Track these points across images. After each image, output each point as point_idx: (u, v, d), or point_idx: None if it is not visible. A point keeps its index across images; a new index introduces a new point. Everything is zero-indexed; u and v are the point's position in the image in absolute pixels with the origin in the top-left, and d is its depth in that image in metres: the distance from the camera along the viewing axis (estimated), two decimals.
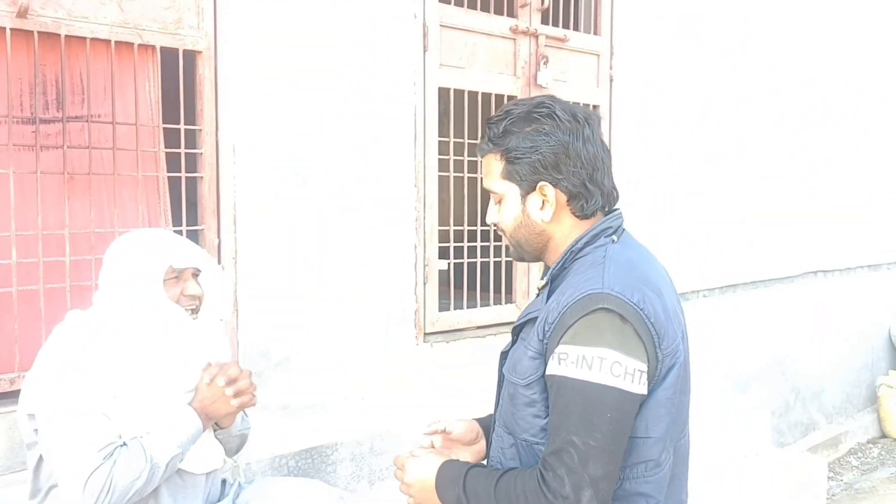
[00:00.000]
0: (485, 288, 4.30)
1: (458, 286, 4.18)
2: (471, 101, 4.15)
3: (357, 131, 3.62)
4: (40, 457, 2.09)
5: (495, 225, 1.84)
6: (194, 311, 2.23)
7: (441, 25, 3.95)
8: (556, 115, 1.72)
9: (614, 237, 1.76)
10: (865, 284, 7.24)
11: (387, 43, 3.71)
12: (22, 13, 2.71)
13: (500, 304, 4.37)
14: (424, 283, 3.92)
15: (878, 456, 6.76)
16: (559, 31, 4.48)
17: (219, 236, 3.24)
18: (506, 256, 4.38)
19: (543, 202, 1.74)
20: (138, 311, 2.10)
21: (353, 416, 3.50)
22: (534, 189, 1.74)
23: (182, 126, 3.14)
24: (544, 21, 4.44)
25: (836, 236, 6.76)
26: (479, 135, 1.82)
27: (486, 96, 4.23)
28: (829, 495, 5.49)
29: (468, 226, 4.21)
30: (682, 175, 5.29)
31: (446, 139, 4.02)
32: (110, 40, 2.93)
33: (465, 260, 4.21)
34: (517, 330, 1.82)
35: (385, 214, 3.74)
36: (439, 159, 3.99)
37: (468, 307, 4.19)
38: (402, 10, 3.77)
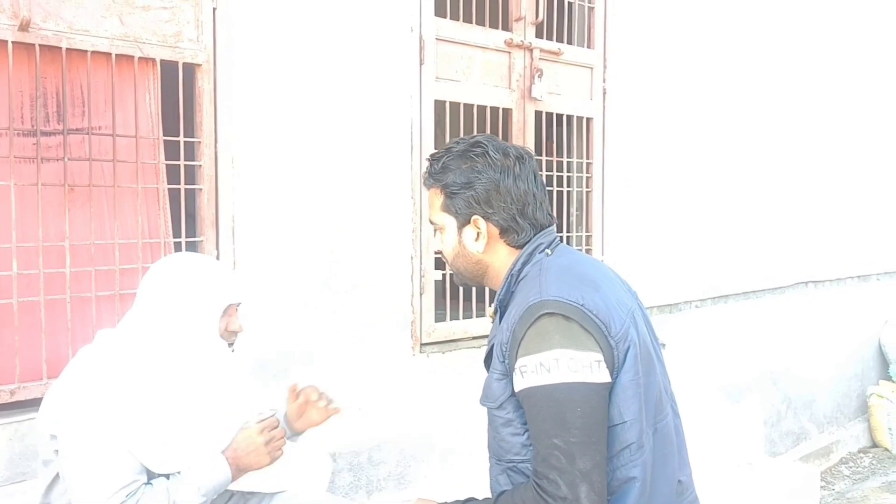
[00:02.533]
0: (480, 299, 4.33)
1: (454, 297, 4.20)
2: (466, 114, 4.19)
3: (354, 143, 3.65)
4: (56, 475, 2.07)
5: (438, 253, 1.97)
6: (231, 346, 2.22)
7: (437, 39, 3.99)
8: (489, 154, 1.86)
9: (548, 251, 1.87)
10: (855, 295, 7.30)
11: (384, 56, 3.75)
12: (23, 26, 2.73)
13: None
14: (421, 294, 3.94)
15: (870, 465, 6.80)
16: (553, 45, 4.52)
17: (217, 248, 3.26)
18: None
19: (478, 234, 1.87)
20: (184, 346, 2.07)
21: (350, 427, 3.51)
22: (469, 222, 1.87)
23: (181, 138, 3.16)
24: (539, 35, 4.48)
25: (826, 247, 6.82)
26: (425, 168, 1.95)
27: (482, 109, 4.27)
28: None
29: None
30: (673, 187, 5.34)
31: None
32: (111, 53, 2.95)
33: None
34: (487, 362, 1.90)
35: (382, 226, 3.77)
36: None
37: (464, 318, 4.21)
38: (398, 24, 3.80)
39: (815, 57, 6.51)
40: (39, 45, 2.80)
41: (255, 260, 3.33)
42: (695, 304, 5.57)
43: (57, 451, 2.01)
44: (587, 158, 4.83)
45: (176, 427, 2.02)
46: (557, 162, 4.69)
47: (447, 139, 4.03)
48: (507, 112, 4.39)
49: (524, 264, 1.85)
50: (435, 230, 1.96)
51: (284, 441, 2.21)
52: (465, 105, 4.18)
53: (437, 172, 1.89)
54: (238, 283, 2.23)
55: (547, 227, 1.92)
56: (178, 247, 3.19)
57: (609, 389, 1.67)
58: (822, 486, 5.78)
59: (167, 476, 2.02)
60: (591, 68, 4.79)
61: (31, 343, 2.84)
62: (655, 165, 5.20)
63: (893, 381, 7.41)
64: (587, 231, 4.85)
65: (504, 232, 1.87)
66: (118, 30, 2.98)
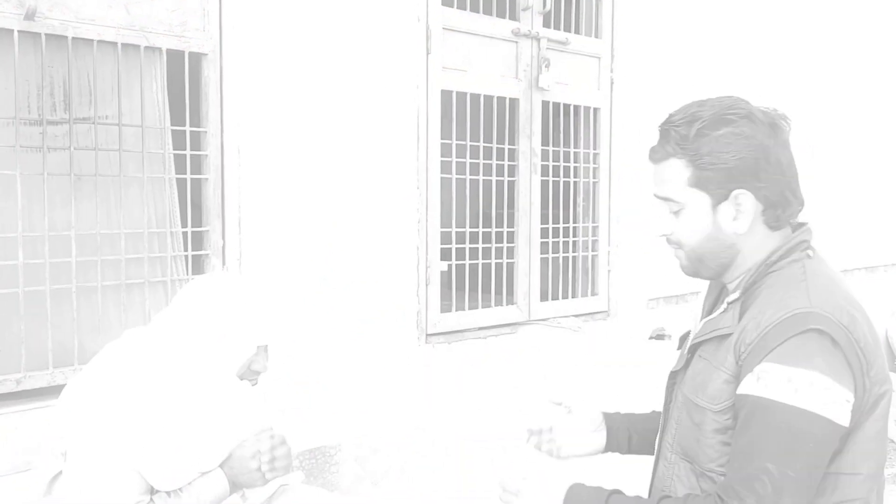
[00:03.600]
0: (486, 290, 4.32)
1: (460, 288, 4.20)
2: (473, 104, 4.17)
3: (360, 133, 3.64)
4: (60, 472, 2.06)
5: (666, 237, 1.68)
6: (254, 383, 2.20)
7: (444, 28, 3.97)
8: (754, 116, 1.57)
9: (809, 252, 1.61)
10: (862, 286, 7.26)
11: (390, 46, 3.73)
12: (29, 15, 2.72)
13: (502, 305, 4.39)
14: (427, 285, 3.94)
15: None
16: (560, 35, 4.50)
17: (223, 238, 3.25)
18: (507, 258, 4.40)
19: (737, 212, 1.57)
20: (207, 377, 2.05)
21: (356, 417, 3.52)
22: (726, 198, 1.56)
23: (188, 128, 3.15)
24: (546, 24, 4.46)
25: (833, 238, 6.78)
26: (659, 137, 1.64)
27: (489, 99, 4.25)
28: None
29: (470, 227, 4.23)
30: None
31: (448, 141, 4.04)
32: (117, 42, 2.94)
33: (467, 261, 4.22)
34: (694, 347, 1.66)
35: (388, 216, 3.76)
36: (441, 161, 4.01)
37: (469, 309, 4.20)
38: (405, 13, 3.78)
39: (828, 49, 6.47)
40: (45, 35, 2.79)
41: (260, 249, 3.33)
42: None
43: (65, 453, 2.00)
44: (594, 149, 4.80)
45: (185, 447, 2.00)
46: (564, 152, 4.67)
47: (454, 129, 4.02)
48: (514, 102, 4.37)
49: (781, 258, 1.58)
50: (668, 211, 1.65)
51: (287, 462, 2.13)
52: (471, 95, 4.16)
53: (688, 140, 1.56)
54: (274, 324, 2.17)
55: (803, 221, 1.66)
56: (184, 236, 3.19)
57: (842, 435, 1.46)
58: None
59: (168, 493, 2.01)
60: (599, 58, 4.76)
61: (36, 332, 2.84)
62: None
63: None
64: (594, 222, 4.84)
65: (768, 208, 1.56)
66: (124, 19, 2.96)
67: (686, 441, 1.61)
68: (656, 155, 1.64)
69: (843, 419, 1.43)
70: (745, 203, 1.56)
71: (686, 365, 1.66)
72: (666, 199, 1.64)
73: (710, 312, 1.73)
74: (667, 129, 1.62)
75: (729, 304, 1.61)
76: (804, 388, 1.41)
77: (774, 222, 1.59)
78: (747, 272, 1.61)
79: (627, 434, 1.98)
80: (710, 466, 1.55)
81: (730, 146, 1.54)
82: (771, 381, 1.43)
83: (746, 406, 1.47)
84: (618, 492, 1.62)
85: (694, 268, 1.67)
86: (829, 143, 6.62)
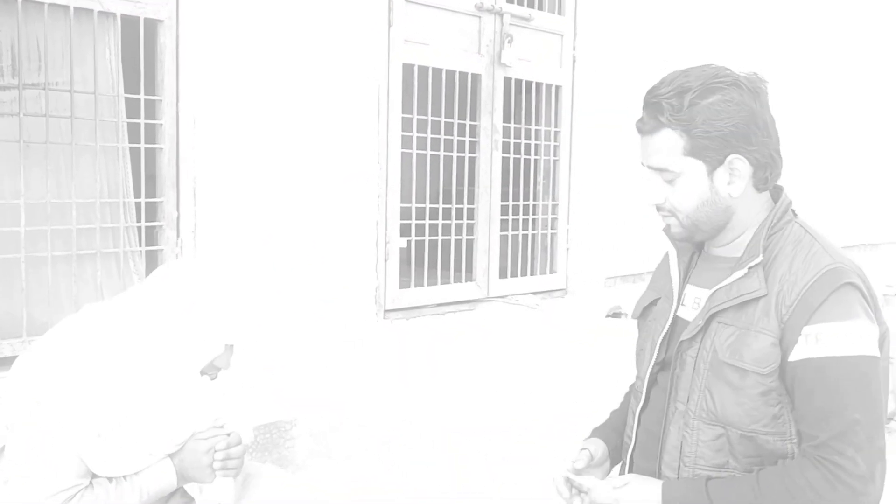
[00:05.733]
0: (445, 266, 4.31)
1: (419, 264, 4.18)
2: (434, 79, 4.13)
3: (320, 105, 3.59)
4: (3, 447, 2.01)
5: (657, 206, 1.72)
6: (213, 378, 2.14)
7: (406, 0, 3.92)
8: (740, 82, 1.61)
9: (794, 212, 1.72)
10: (864, 263, 7.39)
11: (352, 16, 3.68)
12: None
13: (461, 282, 4.38)
14: (386, 261, 3.92)
15: None
16: (524, 10, 4.47)
17: (178, 209, 3.19)
18: (467, 235, 4.39)
19: (731, 177, 1.63)
20: (164, 372, 1.98)
21: (312, 392, 3.49)
22: (721, 163, 1.62)
23: (142, 96, 3.08)
24: (509, 0, 4.43)
25: (836, 215, 6.87)
26: (649, 109, 1.66)
27: (450, 74, 4.22)
28: None
29: (430, 203, 4.21)
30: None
31: (409, 116, 4.01)
32: (69, 6, 2.86)
33: (427, 238, 4.21)
34: (709, 314, 1.67)
35: (347, 191, 3.72)
36: (402, 136, 3.97)
37: (428, 285, 4.19)
38: None
39: (808, 28, 6.52)
40: None
41: (216, 221, 3.27)
42: None
43: (8, 426, 1.95)
44: (555, 127, 4.80)
45: (130, 438, 1.95)
46: (525, 130, 4.66)
47: (415, 104, 3.99)
48: (476, 77, 4.34)
49: (780, 218, 1.67)
50: (662, 180, 1.69)
51: (240, 463, 2.09)
52: (433, 69, 4.12)
53: (682, 111, 1.60)
54: (243, 323, 2.10)
55: (778, 184, 1.74)
56: (137, 207, 3.13)
57: None
58: None
59: (110, 479, 1.96)
60: (562, 35, 4.75)
61: None
62: (623, 135, 5.19)
63: None
64: (554, 200, 4.84)
65: (758, 170, 1.64)
66: None
67: (721, 406, 1.63)
68: (647, 126, 1.67)
69: (879, 354, 1.57)
70: (739, 167, 1.62)
71: (701, 332, 1.68)
72: (660, 170, 1.68)
73: (686, 277, 1.80)
74: (656, 101, 1.64)
75: (751, 267, 1.65)
76: (857, 337, 1.52)
77: (763, 184, 1.67)
78: (747, 233, 1.69)
79: (621, 441, 1.99)
80: (754, 427, 1.60)
81: (722, 114, 1.60)
82: (829, 341, 1.52)
83: (811, 369, 1.54)
84: (710, 477, 1.66)
85: (688, 233, 1.72)
86: (826, 121, 6.68)
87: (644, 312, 1.91)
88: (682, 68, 1.66)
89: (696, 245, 1.80)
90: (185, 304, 1.99)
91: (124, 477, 1.97)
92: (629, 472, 1.79)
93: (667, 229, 1.80)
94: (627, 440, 1.84)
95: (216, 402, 2.15)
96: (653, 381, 1.79)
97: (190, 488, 2.15)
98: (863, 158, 7.62)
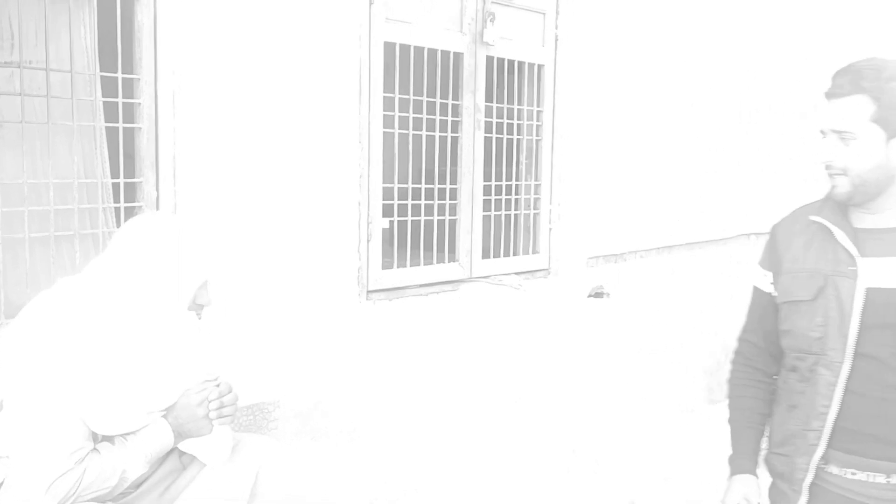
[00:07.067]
0: (428, 247, 4.29)
1: (402, 245, 4.16)
2: (417, 57, 4.10)
3: (301, 84, 3.55)
4: None
5: (829, 165, 1.95)
6: (199, 316, 2.16)
7: None
8: None
9: None
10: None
11: None
12: None
13: (444, 262, 4.37)
14: (368, 241, 3.89)
15: None
16: None
17: (157, 189, 3.15)
18: (450, 215, 4.37)
19: None
20: (151, 315, 2.00)
21: (295, 373, 3.48)
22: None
23: (120, 74, 3.03)
24: None
25: (768, 200, 6.92)
26: (848, 76, 1.92)
27: (432, 52, 4.18)
28: None
29: (412, 184, 4.19)
30: (623, 136, 5.33)
31: (391, 95, 3.97)
32: None
33: (409, 218, 4.19)
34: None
35: (329, 171, 3.69)
36: (384, 115, 3.94)
37: (411, 266, 4.17)
38: None
39: (778, 13, 6.53)
40: None
41: (197, 202, 3.23)
42: (640, 254, 5.61)
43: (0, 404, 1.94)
44: (538, 106, 4.78)
45: (128, 392, 1.96)
46: (508, 109, 4.64)
47: (397, 83, 3.96)
48: (458, 56, 4.31)
49: None
50: (839, 140, 1.93)
51: (234, 410, 2.15)
52: (415, 48, 4.08)
53: (880, 82, 1.87)
54: (212, 257, 2.14)
55: None
56: (115, 188, 3.08)
57: None
58: None
59: (112, 441, 1.97)
60: (544, 14, 4.72)
61: None
62: (605, 115, 5.18)
63: None
64: (536, 180, 4.83)
65: None
66: None
67: None
68: (843, 90, 1.91)
69: None
70: None
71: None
72: (841, 132, 1.91)
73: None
74: (857, 69, 1.90)
75: None
76: None
77: None
78: None
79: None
80: None
81: None
82: None
83: None
84: None
85: (853, 193, 1.95)
86: (767, 109, 6.71)
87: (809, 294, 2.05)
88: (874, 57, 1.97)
89: (834, 221, 2.01)
90: (154, 246, 2.06)
91: (125, 439, 1.98)
92: (830, 439, 1.97)
93: (831, 191, 2.01)
94: (823, 409, 1.97)
95: (207, 354, 2.19)
96: (858, 352, 1.94)
97: (189, 447, 2.15)
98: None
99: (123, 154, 3.08)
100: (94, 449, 1.95)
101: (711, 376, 6.37)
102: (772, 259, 2.17)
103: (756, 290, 2.23)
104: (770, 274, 2.16)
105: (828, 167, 1.96)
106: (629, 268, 5.46)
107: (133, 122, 3.10)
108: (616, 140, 5.28)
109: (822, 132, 1.97)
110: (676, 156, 5.81)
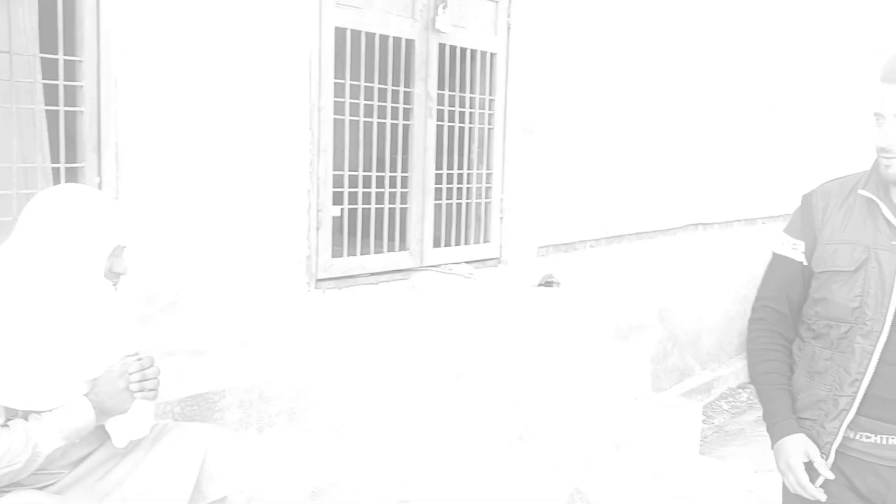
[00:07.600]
0: (378, 235, 4.27)
1: (352, 233, 4.13)
2: (368, 44, 4.06)
3: (250, 68, 3.49)
4: None
5: (886, 147, 1.99)
6: (115, 286, 2.11)
7: None
8: None
9: None
10: (741, 238, 7.57)
11: None
12: None
13: (394, 251, 4.35)
14: (317, 229, 3.85)
15: (747, 400, 7.16)
16: None
17: (100, 174, 3.08)
18: (401, 203, 4.35)
19: None
20: (65, 285, 1.95)
21: (241, 363, 3.43)
22: None
23: (61, 56, 2.94)
24: None
25: (715, 191, 7.02)
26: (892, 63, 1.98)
27: (384, 39, 4.14)
28: (702, 437, 5.78)
29: (363, 171, 4.15)
30: (574, 126, 5.35)
31: (342, 81, 3.93)
32: None
33: (360, 206, 4.15)
34: None
35: (278, 157, 3.64)
36: (335, 102, 3.90)
37: (361, 254, 4.15)
38: None
39: (722, 10, 6.60)
40: None
41: (140, 188, 3.17)
42: (590, 244, 5.65)
43: None
44: (490, 95, 4.77)
45: (43, 366, 1.91)
46: (460, 97, 4.62)
47: (348, 70, 3.91)
48: (409, 43, 4.28)
49: None
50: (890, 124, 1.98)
51: (156, 383, 2.10)
52: (366, 34, 4.04)
53: None
54: (128, 223, 2.10)
55: None
56: (56, 172, 3.00)
57: None
58: (703, 420, 6.05)
59: (26, 417, 1.92)
60: (497, 2, 4.70)
61: None
62: (556, 105, 5.20)
63: None
64: (488, 169, 4.83)
65: None
66: None
67: None
68: (890, 77, 1.98)
69: None
70: None
71: None
72: (884, 115, 1.99)
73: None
74: None
75: None
76: None
77: None
78: None
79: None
80: None
81: None
82: None
83: None
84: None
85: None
86: (714, 102, 6.79)
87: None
88: None
89: (879, 196, 2.06)
90: (66, 213, 2.00)
91: (40, 415, 1.93)
92: (860, 405, 2.04)
93: (883, 171, 2.04)
94: (858, 375, 2.04)
95: (123, 327, 2.13)
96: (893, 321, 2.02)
97: (109, 424, 2.10)
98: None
99: (65, 138, 3.00)
100: (4, 424, 1.89)
101: (658, 364, 6.45)
102: (805, 229, 2.19)
103: (782, 258, 2.25)
104: (801, 243, 2.19)
105: (885, 150, 2.00)
106: (579, 257, 5.50)
107: (75, 106, 3.02)
108: (567, 130, 5.30)
109: (877, 115, 2.01)
110: (627, 147, 5.86)
